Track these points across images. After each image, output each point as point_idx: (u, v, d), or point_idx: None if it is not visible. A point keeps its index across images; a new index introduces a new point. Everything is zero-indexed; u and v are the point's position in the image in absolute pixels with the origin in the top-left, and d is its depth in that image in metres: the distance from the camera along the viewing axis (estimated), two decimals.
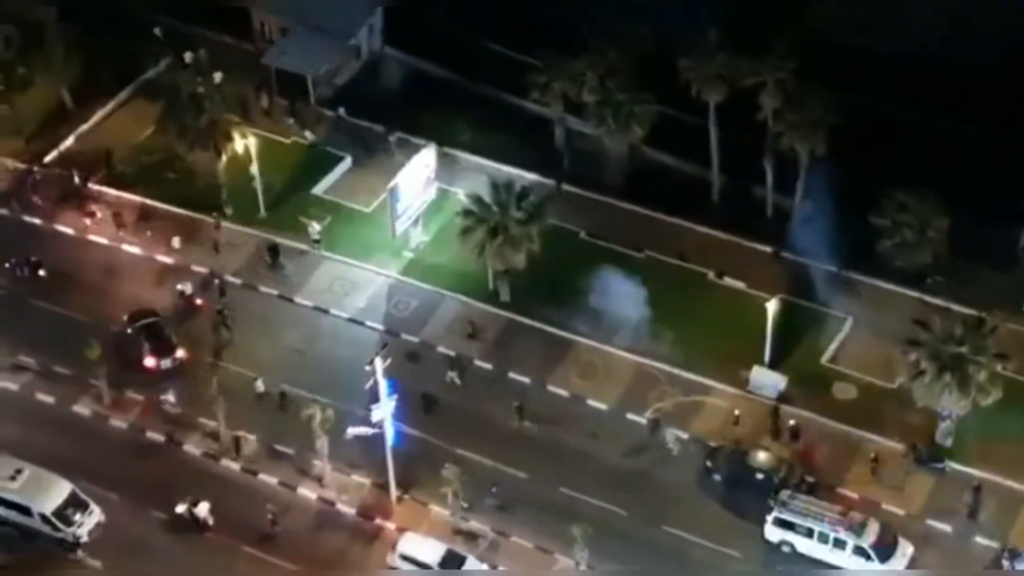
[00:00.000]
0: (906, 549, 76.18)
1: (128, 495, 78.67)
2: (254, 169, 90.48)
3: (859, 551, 75.38)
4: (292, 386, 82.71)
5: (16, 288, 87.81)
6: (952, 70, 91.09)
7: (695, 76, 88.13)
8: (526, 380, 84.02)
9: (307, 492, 79.50)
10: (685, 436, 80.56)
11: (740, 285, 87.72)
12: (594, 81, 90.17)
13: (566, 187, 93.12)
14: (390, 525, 78.02)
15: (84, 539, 76.90)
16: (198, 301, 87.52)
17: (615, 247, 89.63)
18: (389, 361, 75.87)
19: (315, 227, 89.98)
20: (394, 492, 78.22)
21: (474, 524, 77.85)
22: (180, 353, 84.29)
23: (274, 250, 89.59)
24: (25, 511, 76.99)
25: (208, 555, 76.66)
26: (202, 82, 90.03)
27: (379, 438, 76.42)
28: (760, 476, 78.42)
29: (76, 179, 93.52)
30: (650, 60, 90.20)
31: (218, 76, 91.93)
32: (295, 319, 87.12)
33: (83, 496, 77.64)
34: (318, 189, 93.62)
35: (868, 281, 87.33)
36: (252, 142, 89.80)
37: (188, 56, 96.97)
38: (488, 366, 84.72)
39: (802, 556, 76.45)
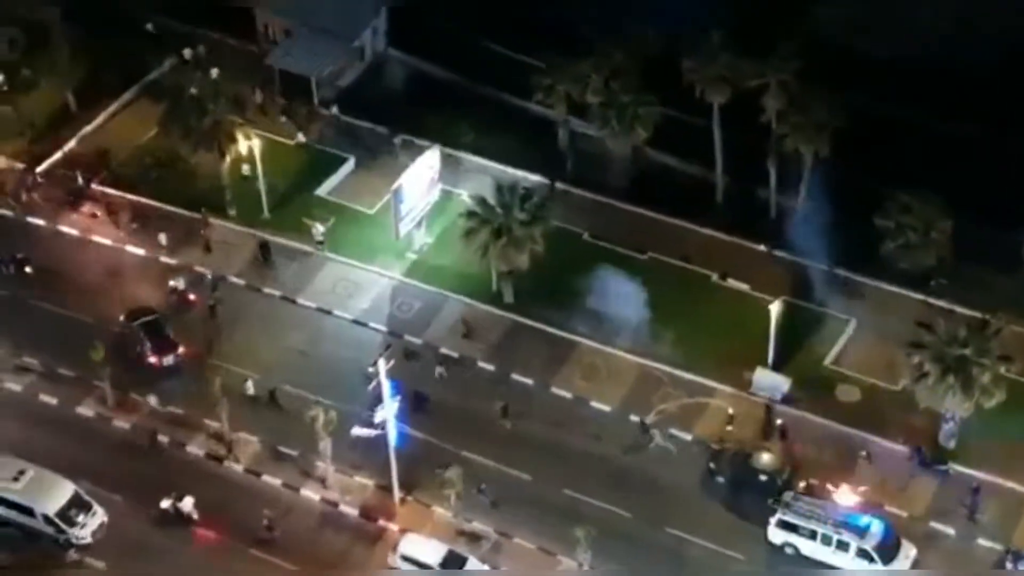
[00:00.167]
0: (909, 551, 76.14)
1: (131, 496, 78.64)
2: (247, 169, 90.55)
3: (862, 553, 75.31)
4: (295, 387, 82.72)
5: (6, 286, 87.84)
6: (955, 71, 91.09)
7: (699, 78, 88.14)
8: (529, 381, 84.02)
9: (310, 493, 79.51)
10: (668, 439, 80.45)
11: (744, 287, 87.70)
12: (598, 83, 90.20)
13: (572, 189, 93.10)
14: (393, 526, 78.01)
15: (88, 540, 76.91)
16: (191, 296, 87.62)
17: (618, 249, 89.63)
18: (392, 363, 75.97)
19: (319, 228, 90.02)
20: (397, 493, 78.21)
21: (477, 525, 77.82)
22: (181, 349, 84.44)
23: (265, 247, 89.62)
24: (28, 512, 77.02)
25: (211, 556, 76.68)
26: (202, 80, 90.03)
27: (382, 439, 76.48)
28: (763, 478, 78.38)
29: (79, 180, 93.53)
30: (654, 62, 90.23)
31: (215, 72, 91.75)
32: (298, 320, 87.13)
33: (86, 497, 77.66)
34: (321, 190, 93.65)
35: (871, 283, 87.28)
36: (256, 143, 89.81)
37: (187, 52, 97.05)
38: (491, 367, 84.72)
39: (805, 558, 76.38)
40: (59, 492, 77.30)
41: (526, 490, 79.17)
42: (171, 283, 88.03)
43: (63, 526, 76.50)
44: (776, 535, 76.84)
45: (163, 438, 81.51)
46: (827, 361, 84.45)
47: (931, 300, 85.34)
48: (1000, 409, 77.71)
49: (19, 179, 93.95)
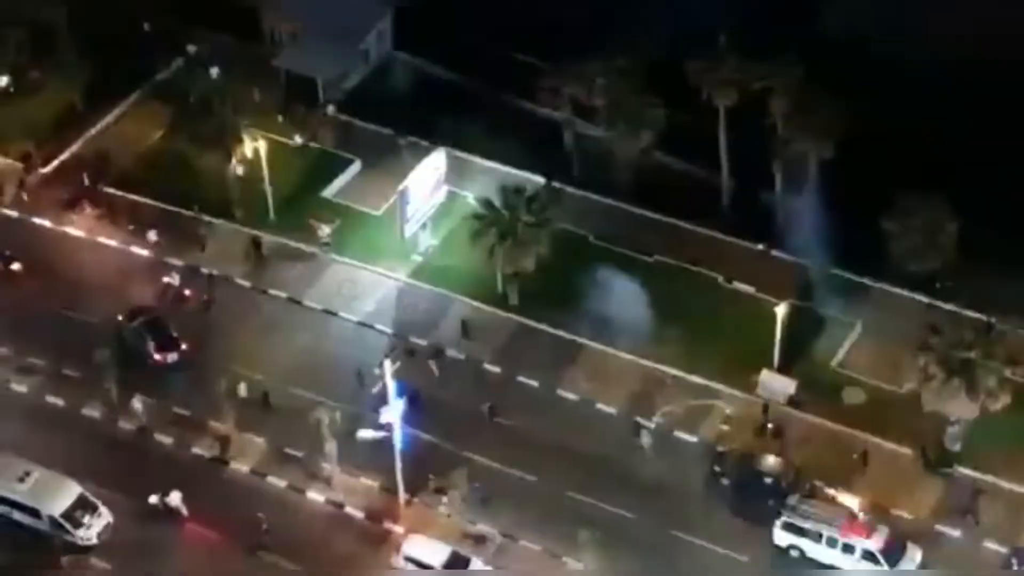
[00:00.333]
0: (915, 554, 76.10)
1: (134, 496, 78.68)
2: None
3: (868, 555, 75.28)
4: (300, 389, 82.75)
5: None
6: (961, 74, 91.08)
7: (705, 80, 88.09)
8: (535, 383, 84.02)
9: (316, 495, 79.53)
10: (655, 440, 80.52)
11: (750, 289, 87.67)
12: (604, 85, 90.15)
13: (577, 191, 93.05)
14: (398, 528, 78.03)
15: (93, 541, 76.98)
16: (186, 292, 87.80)
17: (624, 251, 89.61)
18: (398, 364, 76.02)
19: (325, 230, 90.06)
20: (402, 495, 78.23)
21: (482, 527, 77.83)
22: (184, 346, 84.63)
23: (256, 244, 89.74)
24: (34, 513, 77.08)
25: (215, 557, 76.70)
26: (209, 82, 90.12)
27: (388, 441, 76.51)
28: (768, 480, 78.35)
29: (85, 181, 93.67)
30: (660, 64, 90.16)
31: (215, 71, 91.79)
32: (304, 322, 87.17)
33: (92, 498, 77.73)
34: (328, 192, 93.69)
35: (877, 286, 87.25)
36: (262, 145, 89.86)
37: (191, 49, 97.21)
38: (497, 369, 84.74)
39: (811, 560, 76.34)
40: (65, 493, 77.36)
41: (531, 491, 79.15)
42: (165, 279, 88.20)
43: (69, 527, 76.58)
44: (781, 537, 76.81)
45: (166, 439, 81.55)
46: (833, 363, 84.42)
47: (937, 303, 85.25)
48: (1006, 412, 77.61)
49: (14, 178, 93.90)
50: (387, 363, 75.40)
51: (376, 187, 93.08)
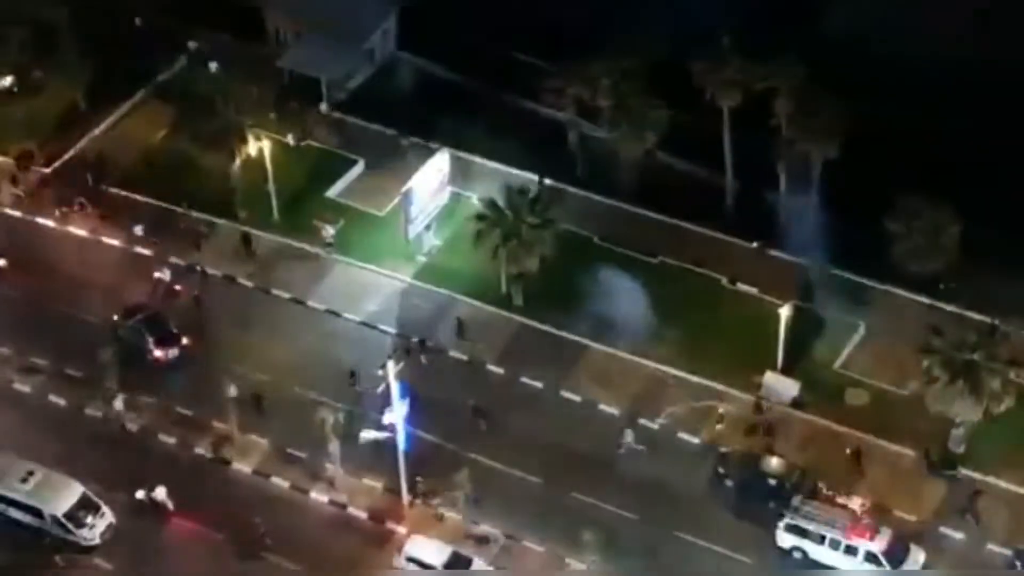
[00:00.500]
0: (918, 556, 76.04)
1: (137, 497, 78.78)
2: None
3: (870, 557, 75.22)
4: (304, 389, 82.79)
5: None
6: (965, 75, 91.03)
7: (709, 81, 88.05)
8: (539, 384, 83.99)
9: (319, 496, 79.52)
10: (639, 441, 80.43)
11: (753, 291, 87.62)
12: (608, 85, 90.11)
13: (580, 191, 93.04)
14: (401, 529, 78.01)
15: (96, 541, 77.01)
16: (177, 287, 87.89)
17: (628, 252, 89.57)
18: (402, 365, 76.03)
19: (329, 230, 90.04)
20: (406, 496, 78.23)
21: (485, 528, 77.81)
22: (185, 341, 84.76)
23: (247, 239, 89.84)
24: (37, 513, 77.10)
25: (217, 557, 76.70)
26: (207, 78, 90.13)
27: (391, 442, 76.51)
28: (772, 482, 78.30)
29: (89, 180, 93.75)
30: (664, 65, 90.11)
31: (213, 66, 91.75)
32: (307, 322, 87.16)
33: (94, 498, 77.75)
34: (331, 192, 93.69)
35: (881, 287, 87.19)
36: (266, 145, 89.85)
37: (191, 45, 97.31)
38: (500, 370, 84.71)
39: (814, 562, 76.27)
40: (68, 493, 77.38)
41: (534, 493, 79.12)
42: (156, 275, 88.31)
43: (71, 527, 76.60)
44: (784, 539, 76.75)
45: (169, 439, 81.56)
46: (836, 365, 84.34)
47: (941, 304, 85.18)
48: (1010, 414, 77.53)
49: (10, 176, 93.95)
50: (390, 364, 75.42)
51: (380, 188, 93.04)
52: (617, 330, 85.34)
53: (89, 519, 76.94)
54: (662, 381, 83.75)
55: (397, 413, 75.33)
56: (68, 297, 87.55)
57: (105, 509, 77.50)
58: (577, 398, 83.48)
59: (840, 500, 77.95)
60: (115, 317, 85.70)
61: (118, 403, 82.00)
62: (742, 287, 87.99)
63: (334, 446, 78.54)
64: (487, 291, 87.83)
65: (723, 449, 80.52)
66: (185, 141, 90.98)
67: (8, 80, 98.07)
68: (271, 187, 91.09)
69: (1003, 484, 78.82)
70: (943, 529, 77.61)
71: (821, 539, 75.94)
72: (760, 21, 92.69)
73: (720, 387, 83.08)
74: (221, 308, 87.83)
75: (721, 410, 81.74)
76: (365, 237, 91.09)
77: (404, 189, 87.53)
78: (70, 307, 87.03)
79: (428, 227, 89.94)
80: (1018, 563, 75.92)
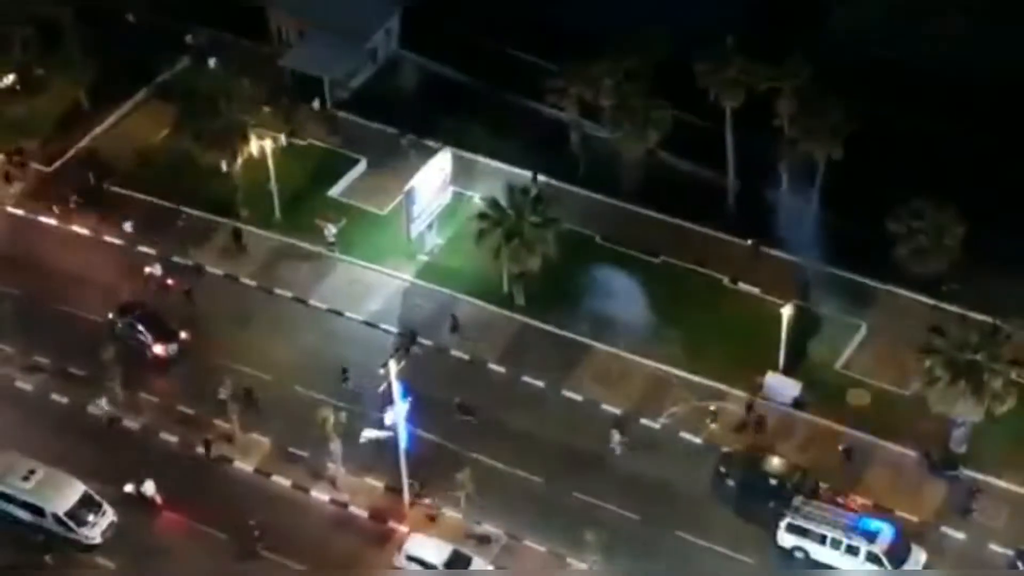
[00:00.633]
0: (919, 556, 76.02)
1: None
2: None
3: (872, 558, 75.19)
4: (306, 388, 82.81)
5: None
6: (970, 77, 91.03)
7: (712, 81, 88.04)
8: (540, 384, 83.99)
9: (320, 495, 79.53)
10: (625, 439, 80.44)
11: (755, 291, 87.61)
12: (611, 85, 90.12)
13: (582, 191, 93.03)
14: (403, 528, 78.01)
15: (97, 540, 77.05)
16: (169, 281, 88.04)
17: (631, 252, 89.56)
18: (403, 364, 76.05)
19: (331, 229, 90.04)
20: (407, 495, 78.22)
21: (487, 528, 77.80)
22: (183, 335, 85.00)
23: (237, 234, 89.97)
24: (38, 511, 77.13)
25: (218, 556, 76.72)
26: (209, 76, 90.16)
27: (393, 441, 76.52)
28: (773, 482, 78.28)
29: (91, 179, 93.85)
30: (667, 65, 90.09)
31: (213, 61, 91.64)
32: (309, 321, 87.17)
33: (96, 497, 77.78)
34: (333, 191, 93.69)
35: (883, 288, 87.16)
36: (268, 144, 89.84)
37: (188, 39, 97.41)
38: (502, 370, 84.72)
39: (815, 562, 76.24)
40: (69, 492, 77.40)
41: (536, 492, 79.13)
42: (147, 270, 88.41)
43: (73, 526, 76.63)
44: (786, 539, 76.73)
45: (171, 437, 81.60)
46: (838, 365, 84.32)
47: (943, 305, 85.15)
48: (1012, 414, 77.48)
49: (2, 172, 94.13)
50: (391, 363, 75.45)
51: (382, 187, 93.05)
52: (619, 330, 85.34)
53: (91, 517, 76.98)
54: (664, 381, 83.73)
55: (398, 412, 75.33)
56: (66, 295, 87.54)
57: (107, 507, 77.52)
58: (579, 398, 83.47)
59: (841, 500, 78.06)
60: (110, 315, 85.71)
61: (102, 402, 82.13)
62: (744, 287, 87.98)
63: (335, 445, 78.53)
64: (489, 290, 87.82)
65: (725, 449, 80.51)
66: (187, 140, 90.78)
67: (10, 78, 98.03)
68: (273, 186, 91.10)
69: (1004, 484, 78.80)
70: (945, 529, 77.57)
71: (822, 539, 75.90)
72: (763, 21, 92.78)
73: (722, 387, 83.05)
74: (223, 307, 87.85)
75: (713, 408, 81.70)
76: (367, 236, 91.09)
77: (406, 188, 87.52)
78: (68, 305, 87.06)
79: (430, 226, 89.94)
80: (1019, 563, 75.90)
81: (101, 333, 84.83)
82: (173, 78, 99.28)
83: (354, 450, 78.99)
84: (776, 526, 76.83)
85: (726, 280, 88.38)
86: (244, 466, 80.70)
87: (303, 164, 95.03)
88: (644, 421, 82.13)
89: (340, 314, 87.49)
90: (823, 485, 78.86)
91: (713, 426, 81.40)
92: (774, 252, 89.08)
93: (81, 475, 78.45)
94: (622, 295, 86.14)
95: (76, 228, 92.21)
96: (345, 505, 79.22)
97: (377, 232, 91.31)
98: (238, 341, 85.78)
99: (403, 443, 76.00)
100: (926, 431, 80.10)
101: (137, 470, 79.26)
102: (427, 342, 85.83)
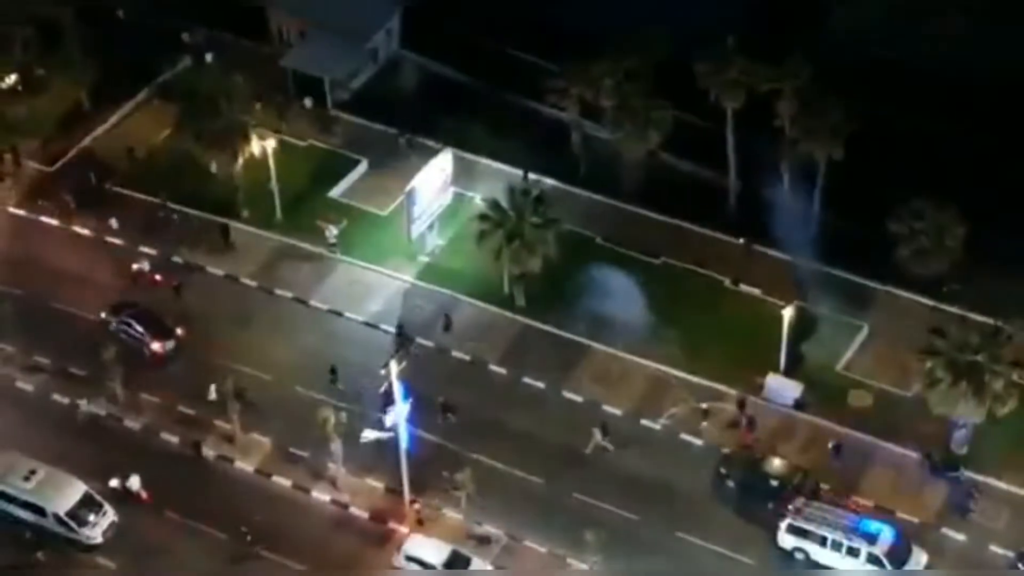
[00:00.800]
0: (920, 557, 75.99)
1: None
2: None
3: (873, 559, 75.16)
4: (306, 389, 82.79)
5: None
6: (971, 77, 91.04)
7: (713, 82, 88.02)
8: (541, 385, 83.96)
9: (321, 495, 79.51)
10: (606, 439, 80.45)
11: (756, 292, 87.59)
12: (611, 86, 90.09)
13: (582, 191, 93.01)
14: (403, 529, 77.98)
15: (98, 539, 77.05)
16: (157, 277, 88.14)
17: (631, 253, 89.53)
18: (404, 364, 76.04)
19: (332, 230, 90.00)
20: (408, 496, 78.20)
21: (488, 528, 77.77)
22: (179, 331, 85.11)
23: (225, 230, 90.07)
24: (39, 511, 77.11)
25: (219, 556, 76.69)
26: (210, 77, 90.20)
27: (394, 442, 76.50)
28: (774, 483, 78.26)
29: (92, 179, 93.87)
30: (668, 65, 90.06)
31: (209, 56, 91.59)
32: (310, 322, 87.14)
33: (97, 497, 77.76)
34: (334, 192, 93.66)
35: (884, 289, 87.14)
36: (270, 145, 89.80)
37: (184, 36, 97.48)
38: (502, 371, 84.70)
39: (816, 563, 76.21)
40: (70, 491, 77.40)
41: (537, 493, 79.10)
42: (135, 266, 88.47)
43: (74, 526, 76.60)
44: (786, 540, 76.70)
45: (172, 437, 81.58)
46: (839, 366, 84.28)
47: (944, 306, 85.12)
48: (1013, 415, 77.46)
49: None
50: (392, 364, 75.45)
51: (383, 187, 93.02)
52: (619, 331, 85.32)
53: (91, 517, 76.97)
54: (664, 382, 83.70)
55: (399, 413, 75.32)
56: (67, 295, 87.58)
57: (107, 507, 77.49)
58: (579, 399, 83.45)
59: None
60: (102, 315, 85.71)
61: (83, 403, 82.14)
62: (745, 288, 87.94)
63: (336, 446, 78.50)
64: (489, 291, 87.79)
65: (725, 450, 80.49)
66: (188, 140, 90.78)
67: (12, 79, 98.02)
68: (274, 187, 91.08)
69: (1005, 486, 78.77)
70: (946, 530, 77.54)
71: (823, 540, 75.87)
72: (763, 21, 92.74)
73: (722, 388, 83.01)
74: (223, 307, 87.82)
75: (704, 406, 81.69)
76: (368, 237, 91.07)
77: (407, 189, 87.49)
78: (68, 305, 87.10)
79: (431, 227, 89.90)
80: (1020, 565, 75.85)
81: (101, 333, 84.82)
82: (174, 78, 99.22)
83: (355, 450, 78.98)
84: (776, 527, 76.78)
85: (727, 281, 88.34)
86: (245, 466, 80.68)
87: (304, 165, 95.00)
88: (644, 422, 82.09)
89: (341, 315, 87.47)
90: (824, 486, 78.89)
91: (704, 424, 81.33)
92: (767, 251, 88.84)
93: (82, 475, 78.46)
94: (623, 296, 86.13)
95: (77, 228, 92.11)
96: (346, 506, 79.19)
97: (378, 233, 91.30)
98: (239, 341, 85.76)
99: (404, 444, 75.96)
100: (927, 432, 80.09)
101: (138, 470, 79.26)
102: (428, 343, 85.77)
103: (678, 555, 76.71)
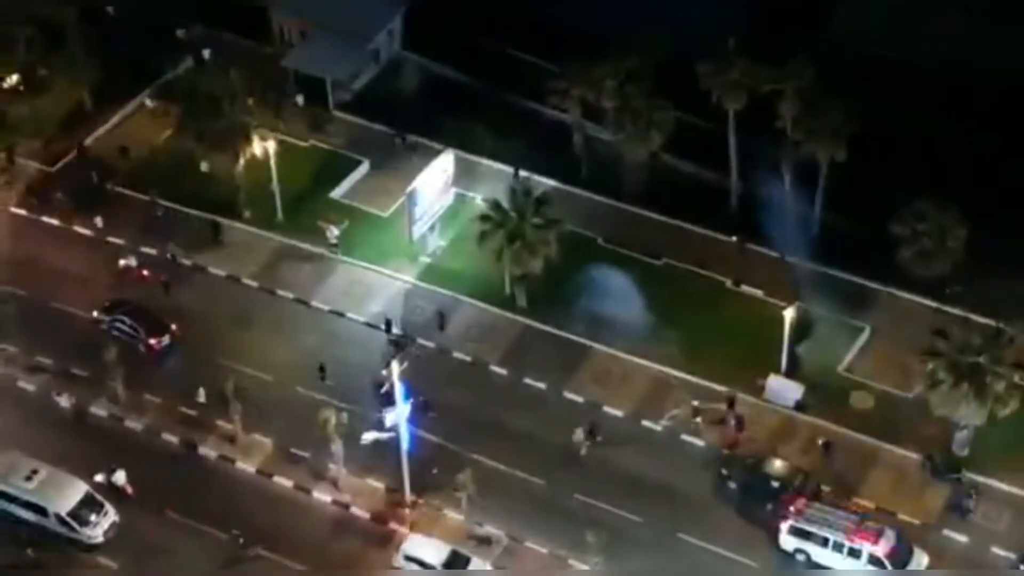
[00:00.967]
0: (921, 559, 75.96)
1: (142, 495, 78.81)
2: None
3: (874, 560, 75.13)
4: (307, 389, 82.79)
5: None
6: (973, 79, 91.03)
7: (715, 83, 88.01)
8: (542, 386, 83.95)
9: (322, 495, 79.49)
10: (588, 437, 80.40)
11: (757, 293, 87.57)
12: (613, 87, 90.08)
13: (584, 192, 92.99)
14: (404, 529, 77.95)
15: (100, 539, 77.03)
16: (144, 272, 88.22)
17: (633, 254, 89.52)
18: (406, 365, 76.00)
19: (333, 231, 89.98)
20: (408, 496, 78.17)
21: (489, 529, 77.75)
22: (173, 327, 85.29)
23: (215, 226, 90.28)
24: (41, 511, 77.10)
25: (220, 556, 76.66)
26: (217, 81, 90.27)
27: (395, 442, 76.48)
28: (775, 484, 78.25)
29: (94, 178, 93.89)
30: (669, 67, 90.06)
31: (207, 53, 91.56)
32: (311, 323, 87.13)
33: (98, 497, 77.74)
34: (336, 193, 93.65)
35: (886, 290, 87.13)
36: (271, 145, 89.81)
37: (180, 33, 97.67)
38: (503, 372, 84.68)
39: (817, 565, 76.19)
40: (72, 492, 77.39)
41: (538, 494, 79.09)
42: (122, 262, 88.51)
43: (75, 526, 76.59)
44: (788, 542, 76.67)
45: (173, 438, 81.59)
46: (841, 368, 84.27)
47: (946, 308, 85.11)
48: (1014, 417, 77.44)
49: None
50: (394, 364, 75.43)
51: (384, 188, 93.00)
52: (620, 332, 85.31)
53: (93, 517, 76.95)
54: (665, 383, 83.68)
55: (399, 414, 75.30)
56: (68, 295, 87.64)
57: (109, 507, 77.47)
58: (580, 399, 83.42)
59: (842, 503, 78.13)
60: (95, 313, 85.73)
61: (63, 400, 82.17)
62: (746, 289, 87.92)
63: (337, 446, 78.49)
64: (491, 292, 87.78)
65: (726, 451, 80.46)
66: (190, 140, 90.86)
67: (14, 79, 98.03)
68: (275, 187, 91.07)
69: (1006, 487, 78.74)
70: (947, 532, 77.52)
71: (824, 542, 75.84)
72: (764, 22, 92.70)
73: (723, 389, 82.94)
74: (224, 307, 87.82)
75: (696, 403, 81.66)
76: (369, 238, 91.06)
77: (408, 190, 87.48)
78: (68, 304, 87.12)
79: (432, 228, 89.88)
80: (1022, 566, 75.81)
81: (99, 333, 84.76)
82: (176, 79, 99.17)
83: (355, 451, 78.96)
84: (777, 528, 76.76)
85: (728, 282, 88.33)
86: (246, 467, 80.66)
87: (305, 165, 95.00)
88: (645, 423, 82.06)
89: (342, 315, 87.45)
90: (825, 488, 78.88)
91: (696, 420, 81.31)
92: (760, 249, 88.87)
93: (83, 475, 78.42)
94: (624, 297, 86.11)
95: (77, 228, 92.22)
96: (347, 506, 79.16)
97: (379, 234, 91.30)
98: (240, 342, 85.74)
99: (404, 444, 75.96)
100: (929, 434, 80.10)
101: (140, 470, 79.24)
102: (429, 344, 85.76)
103: (679, 556, 76.69)
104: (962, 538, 77.34)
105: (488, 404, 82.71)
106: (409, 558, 75.98)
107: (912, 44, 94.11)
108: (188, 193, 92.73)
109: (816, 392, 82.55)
